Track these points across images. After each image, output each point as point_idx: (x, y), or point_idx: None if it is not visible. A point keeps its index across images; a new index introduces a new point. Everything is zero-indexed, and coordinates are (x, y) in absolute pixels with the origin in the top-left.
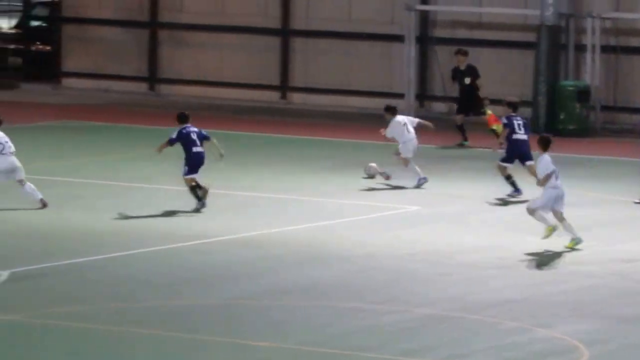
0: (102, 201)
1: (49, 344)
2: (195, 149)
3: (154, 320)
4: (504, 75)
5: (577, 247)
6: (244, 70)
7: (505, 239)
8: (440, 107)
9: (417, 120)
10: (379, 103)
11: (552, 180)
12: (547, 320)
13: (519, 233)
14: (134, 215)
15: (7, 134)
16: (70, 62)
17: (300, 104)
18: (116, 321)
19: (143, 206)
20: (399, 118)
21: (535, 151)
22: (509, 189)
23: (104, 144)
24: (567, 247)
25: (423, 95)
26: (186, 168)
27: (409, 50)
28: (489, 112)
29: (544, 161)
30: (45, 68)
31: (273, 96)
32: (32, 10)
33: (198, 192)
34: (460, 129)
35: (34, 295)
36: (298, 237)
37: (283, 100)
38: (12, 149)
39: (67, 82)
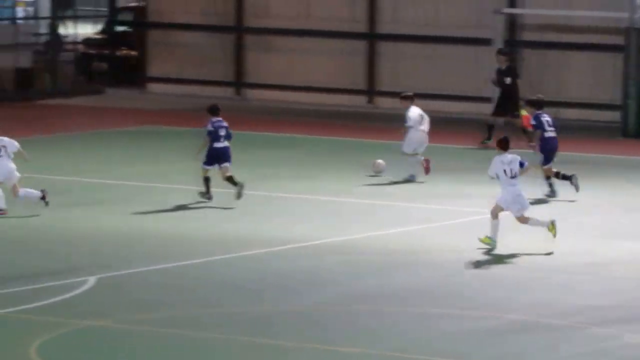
0: (186, 207)
1: (136, 349)
2: (216, 144)
3: (239, 326)
4: (593, 79)
5: (487, 246)
6: (330, 74)
7: (597, 243)
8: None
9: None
10: (467, 107)
11: (509, 180)
12: (638, 326)
13: (611, 238)
14: (219, 221)
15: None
16: (155, 67)
17: (388, 109)
18: (201, 327)
19: (227, 211)
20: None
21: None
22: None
23: (189, 150)
24: (480, 240)
25: None
26: (205, 158)
27: None
28: (524, 112)
29: (495, 161)
30: (130, 73)
31: (360, 101)
32: (118, 15)
33: (236, 186)
34: (490, 129)
35: (121, 300)
36: (385, 243)
37: (370, 104)
38: (10, 150)
39: (153, 87)
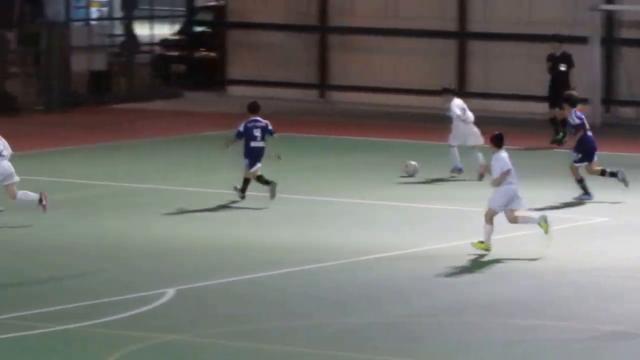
0: (269, 215)
1: None
2: (252, 144)
3: (325, 339)
4: None
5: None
6: (418, 75)
7: None
8: (627, 112)
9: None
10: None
11: (508, 178)
12: None
13: None
14: (304, 229)
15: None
16: (235, 69)
17: (479, 110)
18: (286, 340)
19: (312, 220)
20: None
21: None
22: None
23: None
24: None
25: (609, 100)
26: (247, 161)
27: (594, 52)
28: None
29: (500, 159)
30: (209, 75)
31: None
32: (196, 15)
33: (268, 185)
34: (554, 123)
35: (201, 313)
36: (474, 251)
37: None
38: (10, 151)
39: (233, 89)
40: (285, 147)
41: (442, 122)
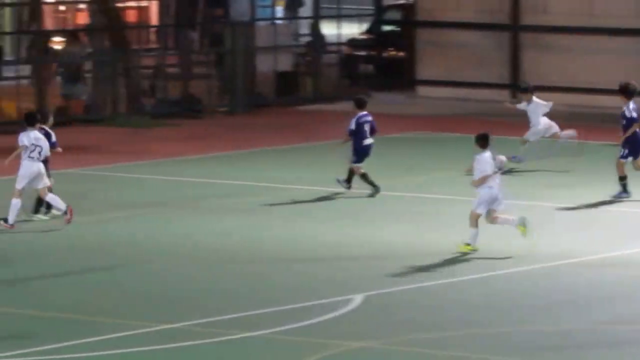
0: (454, 218)
1: None
2: (365, 142)
3: (509, 347)
4: None
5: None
6: (617, 75)
7: None
8: None
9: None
10: None
11: (488, 181)
12: None
13: None
14: (492, 234)
15: None
16: (425, 69)
17: None
18: (472, 348)
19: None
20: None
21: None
22: None
23: (460, 157)
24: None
25: None
26: (355, 157)
27: None
28: None
29: (482, 161)
30: (398, 76)
31: None
32: (384, 14)
33: (369, 178)
34: None
35: (388, 320)
36: None
37: None
38: (44, 153)
39: (422, 90)
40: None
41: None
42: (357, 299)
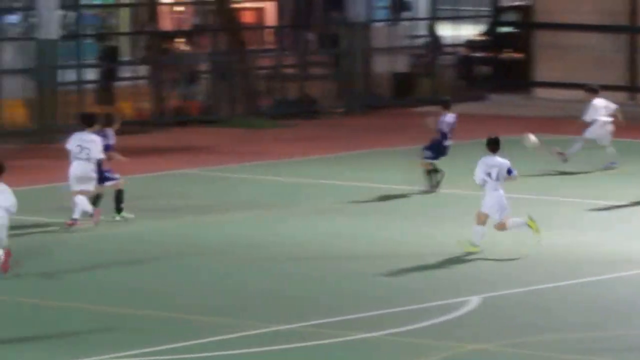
0: (574, 222)
1: None
2: (445, 142)
3: (629, 349)
4: None
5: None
6: None
7: None
8: None
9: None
10: None
11: (493, 183)
12: None
13: None
14: (610, 238)
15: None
16: (542, 71)
17: None
18: (584, 351)
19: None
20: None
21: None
22: None
23: (575, 161)
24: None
25: None
26: (429, 152)
27: None
28: None
29: (478, 166)
30: (515, 78)
31: None
32: (502, 15)
33: (436, 175)
34: None
35: (504, 323)
36: None
37: None
38: (92, 155)
39: (539, 92)
40: (596, 151)
41: None
42: (474, 300)
